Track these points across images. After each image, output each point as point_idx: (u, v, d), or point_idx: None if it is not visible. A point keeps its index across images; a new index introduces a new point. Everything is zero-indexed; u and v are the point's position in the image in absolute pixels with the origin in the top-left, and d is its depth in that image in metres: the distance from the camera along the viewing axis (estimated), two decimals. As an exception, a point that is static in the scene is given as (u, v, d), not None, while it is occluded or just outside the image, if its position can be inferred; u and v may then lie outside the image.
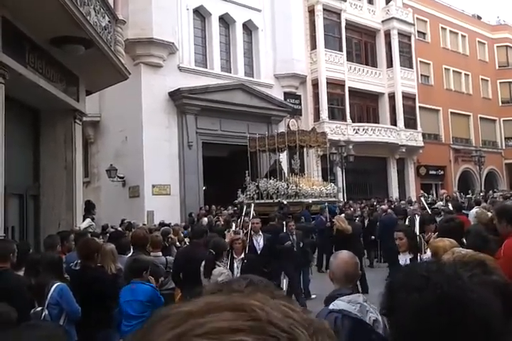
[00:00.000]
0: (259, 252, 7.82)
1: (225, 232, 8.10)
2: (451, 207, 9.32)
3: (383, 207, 14.62)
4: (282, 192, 14.58)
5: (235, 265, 6.29)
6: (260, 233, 8.15)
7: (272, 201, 14.40)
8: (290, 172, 15.68)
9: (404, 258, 5.29)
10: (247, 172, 16.05)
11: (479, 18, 36.10)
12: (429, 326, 1.06)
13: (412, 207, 13.50)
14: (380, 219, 12.76)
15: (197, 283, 5.60)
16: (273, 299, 0.60)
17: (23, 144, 8.79)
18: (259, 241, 7.99)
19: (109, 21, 9.10)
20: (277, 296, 0.61)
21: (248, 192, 15.58)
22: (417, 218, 7.51)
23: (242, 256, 6.45)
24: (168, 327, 0.55)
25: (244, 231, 8.22)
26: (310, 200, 14.35)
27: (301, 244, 8.70)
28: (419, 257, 5.18)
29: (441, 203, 16.78)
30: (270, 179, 15.18)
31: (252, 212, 9.22)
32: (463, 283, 1.15)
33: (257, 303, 0.57)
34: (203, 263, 5.60)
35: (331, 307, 2.65)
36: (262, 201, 14.61)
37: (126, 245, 6.35)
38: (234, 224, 8.98)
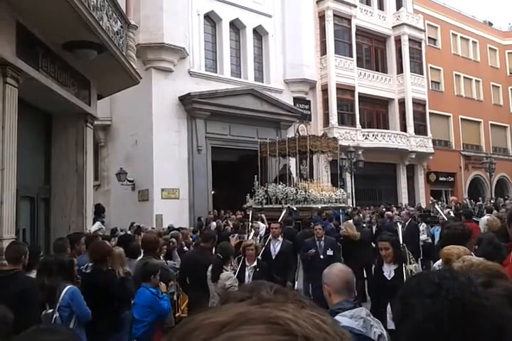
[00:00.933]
0: (273, 258, 7.49)
1: (230, 237, 7.87)
2: (452, 214, 9.19)
3: (388, 213, 14.50)
4: (291, 198, 14.54)
5: (247, 273, 6.00)
6: (279, 238, 7.78)
7: (280, 206, 14.39)
8: (299, 178, 15.62)
9: (388, 269, 5.06)
10: (256, 176, 16.04)
11: (490, 24, 35.98)
12: (441, 332, 1.05)
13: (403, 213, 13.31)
14: (384, 225, 12.48)
15: (203, 288, 5.61)
16: (303, 309, 0.58)
17: (34, 147, 8.87)
18: (276, 247, 7.62)
19: (121, 26, 9.18)
20: (307, 306, 0.60)
21: (257, 197, 15.56)
22: (399, 227, 6.89)
23: (255, 264, 6.14)
24: (200, 339, 0.53)
25: (252, 236, 7.87)
26: (319, 206, 14.28)
27: (331, 252, 7.90)
28: (404, 268, 4.93)
29: (448, 210, 16.72)
30: (279, 184, 15.15)
31: (282, 215, 8.96)
32: (476, 289, 1.14)
33: (291, 316, 0.55)
34: (211, 267, 5.57)
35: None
36: (270, 206, 14.59)
37: (136, 249, 6.37)
38: (252, 230, 8.36)
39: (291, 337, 0.52)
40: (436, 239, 9.70)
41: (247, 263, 6.10)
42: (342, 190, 16.83)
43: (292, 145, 15.63)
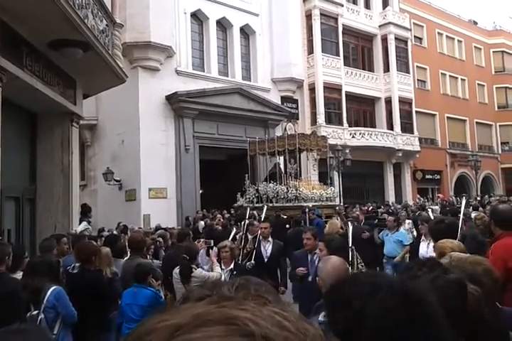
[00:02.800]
0: (265, 260, 6.93)
1: (195, 242, 7.01)
2: (431, 214, 7.88)
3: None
4: (282, 196, 14.52)
5: (223, 277, 5.39)
6: (270, 239, 7.17)
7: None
8: (289, 176, 15.62)
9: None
10: (246, 175, 16.02)
11: (475, 23, 36.30)
12: (396, 325, 1.08)
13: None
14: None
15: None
16: (265, 306, 0.56)
17: (19, 147, 8.78)
18: (268, 249, 7.05)
19: (106, 25, 9.12)
20: (270, 302, 0.58)
21: (248, 196, 15.53)
22: (350, 226, 5.90)
23: (231, 266, 5.67)
24: None
25: (250, 237, 7.43)
26: (310, 204, 14.28)
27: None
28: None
29: (437, 207, 16.84)
30: (270, 183, 15.13)
31: (263, 215, 8.36)
32: (405, 281, 1.21)
33: (250, 316, 0.53)
34: (177, 269, 5.28)
35: (320, 318, 2.46)
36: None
37: (121, 249, 6.34)
38: (234, 229, 7.88)
39: (250, 338, 0.50)
40: (387, 245, 8.98)
41: (222, 267, 5.64)
42: (333, 188, 16.88)
43: (281, 144, 15.64)
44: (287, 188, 14.62)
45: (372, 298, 1.13)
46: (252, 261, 6.50)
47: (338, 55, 24.41)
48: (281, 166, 16.83)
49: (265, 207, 8.90)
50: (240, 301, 0.57)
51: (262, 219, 8.13)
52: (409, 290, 1.15)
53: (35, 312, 4.01)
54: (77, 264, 4.96)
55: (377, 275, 1.26)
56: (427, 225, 6.10)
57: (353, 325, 1.11)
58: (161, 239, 7.90)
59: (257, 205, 14.12)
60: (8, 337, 1.55)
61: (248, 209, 9.42)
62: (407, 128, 26.94)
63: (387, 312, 1.09)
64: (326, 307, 1.29)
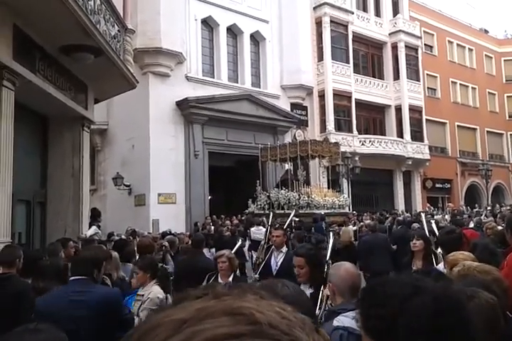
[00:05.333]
0: (274, 273, 5.93)
1: None
2: (435, 228, 6.68)
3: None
4: (294, 203, 14.37)
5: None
6: (283, 249, 6.16)
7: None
8: (302, 183, 15.45)
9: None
10: (258, 181, 15.95)
11: (486, 31, 36.21)
12: (430, 328, 1.09)
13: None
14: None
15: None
16: (262, 299, 0.58)
17: (31, 151, 8.84)
18: (279, 260, 6.04)
19: (118, 30, 9.19)
20: (265, 297, 0.59)
21: (259, 202, 15.45)
22: (331, 238, 4.93)
23: (230, 280, 4.98)
24: (161, 337, 0.51)
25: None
26: (322, 212, 14.11)
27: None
28: (321, 292, 3.50)
29: (439, 217, 16.62)
30: (281, 189, 15.02)
31: (269, 221, 7.74)
32: (448, 286, 1.25)
33: (254, 306, 0.54)
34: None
35: (335, 323, 2.49)
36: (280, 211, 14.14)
37: (131, 253, 6.34)
38: (240, 240, 7.01)
39: (257, 326, 0.51)
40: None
41: (220, 280, 4.96)
42: (345, 196, 16.71)
43: (293, 150, 15.52)
44: (299, 195, 14.50)
45: (413, 300, 1.14)
46: (256, 275, 5.82)
47: (348, 62, 24.41)
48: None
49: (271, 213, 8.55)
50: (239, 295, 0.58)
51: (277, 226, 7.31)
52: (452, 297, 1.16)
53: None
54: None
55: (420, 279, 1.26)
56: (440, 235, 5.55)
57: (388, 324, 1.12)
58: (167, 244, 7.88)
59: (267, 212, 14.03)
60: (24, 336, 1.55)
61: (271, 215, 8.43)
62: (417, 136, 26.83)
63: (427, 315, 1.10)
64: (362, 304, 1.28)
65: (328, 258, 4.18)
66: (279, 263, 6.05)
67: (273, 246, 6.40)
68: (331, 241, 4.72)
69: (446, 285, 1.25)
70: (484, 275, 2.31)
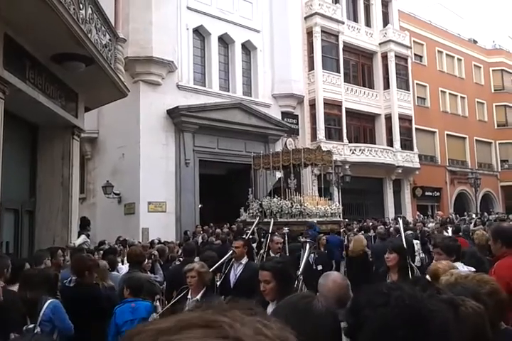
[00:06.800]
0: (232, 286, 5.70)
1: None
2: (416, 243, 6.36)
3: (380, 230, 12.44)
4: (286, 211, 14.37)
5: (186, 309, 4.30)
6: (242, 260, 5.82)
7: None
8: (293, 191, 15.43)
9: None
10: (250, 190, 15.93)
11: (475, 42, 36.63)
12: (395, 338, 1.10)
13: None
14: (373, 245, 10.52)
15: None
16: (252, 316, 0.60)
17: (20, 159, 8.79)
18: (238, 272, 5.74)
19: (109, 39, 9.21)
20: (257, 314, 0.62)
21: (251, 211, 15.42)
22: (307, 248, 4.92)
23: (200, 295, 4.48)
24: None
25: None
26: (315, 220, 14.11)
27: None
28: None
29: (433, 225, 16.68)
30: (274, 197, 15.01)
31: (270, 228, 7.50)
32: (421, 297, 1.22)
33: (227, 320, 0.57)
34: None
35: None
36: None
37: (112, 262, 6.35)
38: (230, 251, 6.02)
39: (226, 340, 0.54)
40: None
41: (189, 296, 4.55)
42: (338, 204, 16.73)
43: (286, 158, 15.54)
44: (291, 203, 14.50)
45: (378, 310, 1.14)
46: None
47: (338, 71, 24.57)
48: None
49: (272, 220, 8.34)
50: (224, 309, 0.61)
51: (248, 235, 7.21)
52: (419, 309, 1.14)
53: (32, 325, 3.96)
54: (74, 278, 4.94)
55: (401, 287, 1.24)
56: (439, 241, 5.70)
57: (353, 334, 1.13)
58: (156, 253, 7.85)
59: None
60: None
61: (272, 223, 8.26)
62: (406, 145, 27.00)
63: (384, 327, 1.10)
64: (346, 313, 1.31)
65: (300, 272, 3.83)
66: (237, 276, 5.67)
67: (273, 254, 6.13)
68: (306, 253, 4.43)
69: (421, 295, 1.24)
70: (483, 285, 2.31)
